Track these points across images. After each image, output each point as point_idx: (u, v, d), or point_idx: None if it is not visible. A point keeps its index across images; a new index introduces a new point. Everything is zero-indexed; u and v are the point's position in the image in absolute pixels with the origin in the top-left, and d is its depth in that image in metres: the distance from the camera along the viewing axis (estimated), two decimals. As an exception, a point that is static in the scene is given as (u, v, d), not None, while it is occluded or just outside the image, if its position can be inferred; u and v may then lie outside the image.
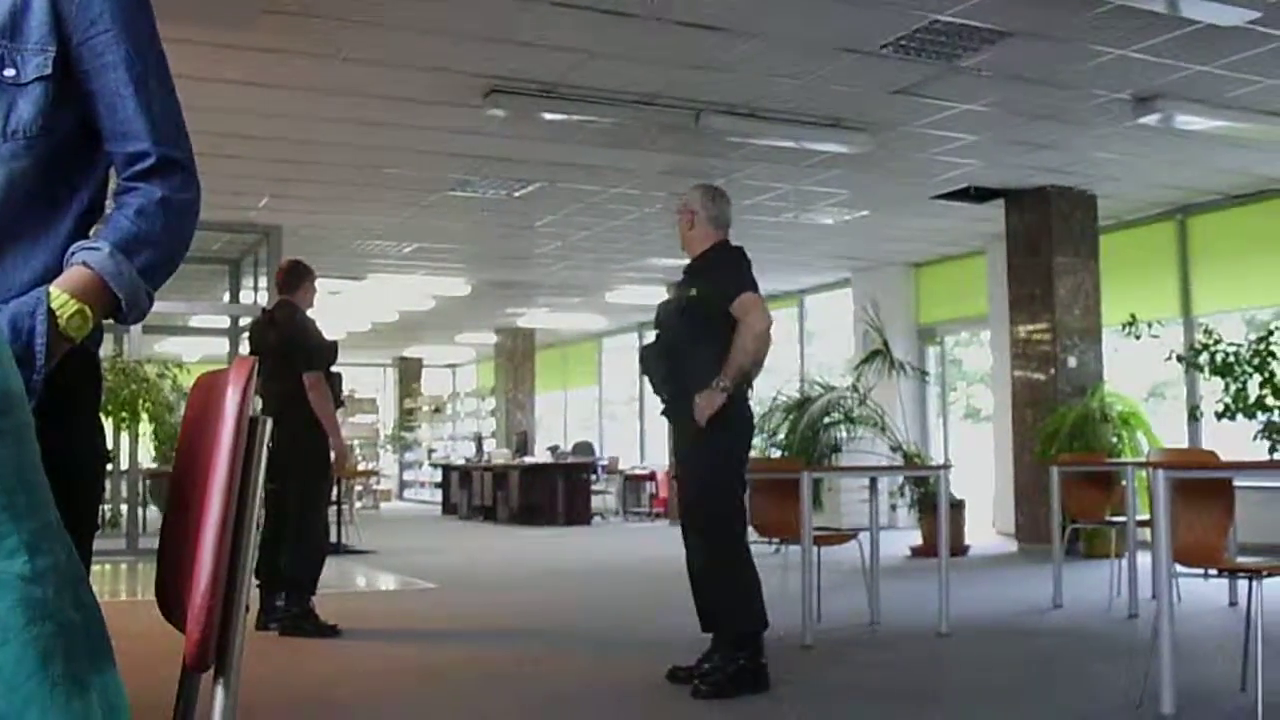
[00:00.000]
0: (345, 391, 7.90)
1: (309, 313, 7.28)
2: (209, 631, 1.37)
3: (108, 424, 11.30)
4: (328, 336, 7.30)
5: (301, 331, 7.15)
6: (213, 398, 1.50)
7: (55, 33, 1.79)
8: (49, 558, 1.18)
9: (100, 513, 2.09)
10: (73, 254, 1.78)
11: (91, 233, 1.88)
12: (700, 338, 5.42)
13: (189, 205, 1.89)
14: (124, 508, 12.83)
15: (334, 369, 7.22)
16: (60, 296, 1.71)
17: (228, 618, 1.41)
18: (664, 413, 5.70)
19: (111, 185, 1.91)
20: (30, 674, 1.13)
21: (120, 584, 10.21)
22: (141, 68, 1.84)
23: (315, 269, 7.48)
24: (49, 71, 1.79)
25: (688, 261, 5.74)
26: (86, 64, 1.81)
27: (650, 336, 5.87)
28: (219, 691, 1.41)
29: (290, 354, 7.00)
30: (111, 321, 1.84)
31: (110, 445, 11.41)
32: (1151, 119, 8.97)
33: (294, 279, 7.31)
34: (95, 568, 1.94)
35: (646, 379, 5.86)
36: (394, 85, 8.37)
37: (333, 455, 7.11)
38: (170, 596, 1.53)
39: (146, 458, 13.24)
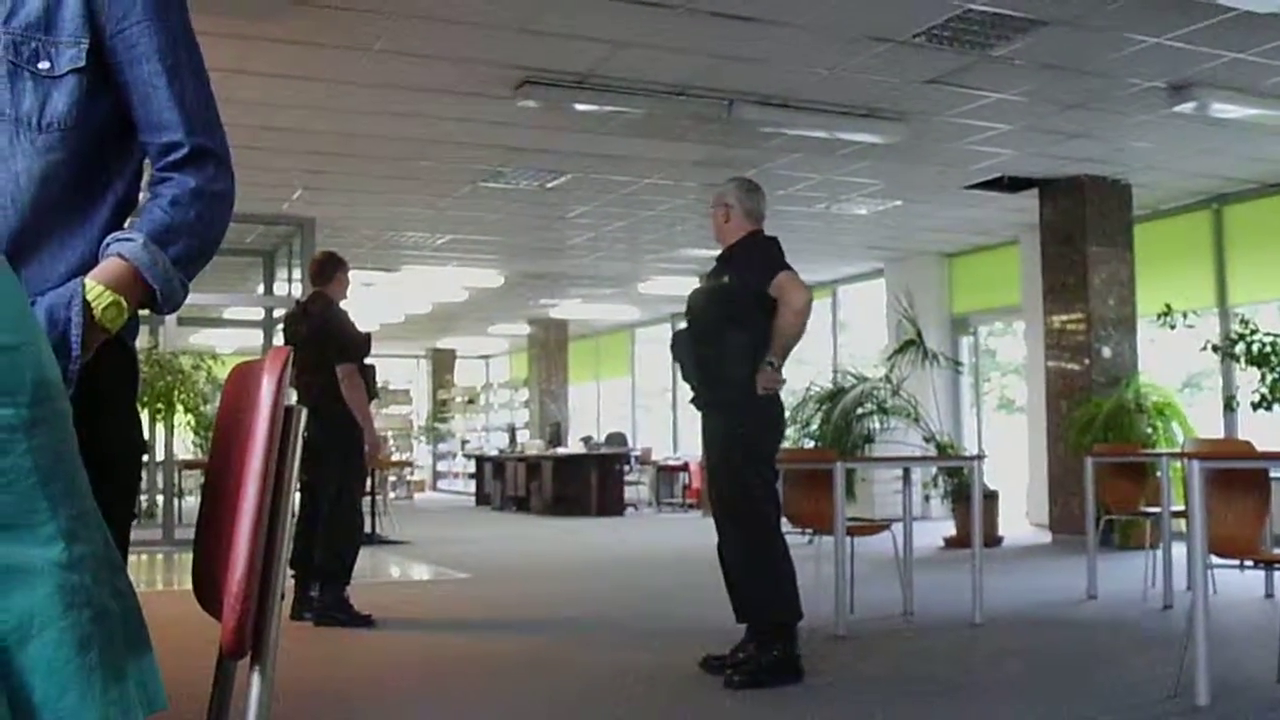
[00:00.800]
0: (379, 383, 7.92)
1: (342, 304, 7.30)
2: (245, 619, 1.37)
3: (143, 415, 11.38)
4: (361, 328, 7.31)
5: (335, 323, 7.17)
6: (248, 387, 1.50)
7: (88, 25, 1.80)
8: (86, 545, 1.19)
9: (137, 503, 2.11)
10: (108, 245, 1.79)
11: (126, 224, 1.89)
12: (730, 324, 5.43)
13: (223, 195, 1.90)
14: (160, 498, 12.94)
15: (368, 361, 7.24)
16: (95, 288, 1.73)
17: (263, 606, 1.41)
18: (693, 401, 5.69)
19: (146, 176, 1.92)
20: (67, 660, 1.14)
21: (157, 573, 10.29)
22: (174, 59, 1.84)
23: (348, 261, 7.50)
24: (82, 64, 1.79)
25: (720, 251, 5.75)
26: (120, 55, 1.82)
27: (682, 326, 5.86)
28: (254, 678, 1.42)
29: (324, 346, 7.02)
30: (147, 312, 1.85)
31: (146, 436, 11.49)
32: (1187, 107, 8.89)
33: (327, 271, 7.33)
34: (132, 558, 1.95)
35: (678, 366, 5.88)
36: (426, 77, 8.39)
37: (366, 447, 7.14)
38: (207, 585, 1.54)
39: (182, 449, 13.34)
